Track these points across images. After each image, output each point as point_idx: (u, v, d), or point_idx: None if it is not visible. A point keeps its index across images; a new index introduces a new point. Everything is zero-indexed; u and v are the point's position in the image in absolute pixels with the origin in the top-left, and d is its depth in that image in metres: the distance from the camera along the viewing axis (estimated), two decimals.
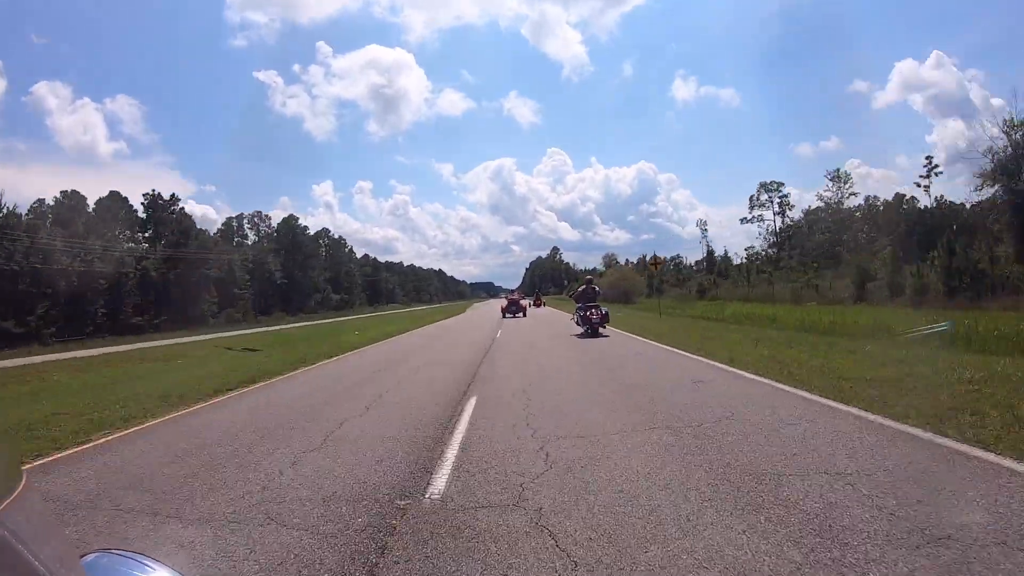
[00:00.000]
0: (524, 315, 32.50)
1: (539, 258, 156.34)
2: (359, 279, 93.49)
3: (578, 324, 17.10)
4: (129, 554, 0.90)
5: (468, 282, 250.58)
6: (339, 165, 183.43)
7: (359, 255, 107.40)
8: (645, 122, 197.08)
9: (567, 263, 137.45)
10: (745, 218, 79.87)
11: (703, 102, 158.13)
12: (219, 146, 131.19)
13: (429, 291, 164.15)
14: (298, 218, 77.96)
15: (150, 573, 0.87)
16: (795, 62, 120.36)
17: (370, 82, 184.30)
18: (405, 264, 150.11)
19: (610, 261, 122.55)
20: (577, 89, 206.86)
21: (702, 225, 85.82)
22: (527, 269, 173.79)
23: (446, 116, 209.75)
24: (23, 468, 0.74)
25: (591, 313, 15.73)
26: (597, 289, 17.49)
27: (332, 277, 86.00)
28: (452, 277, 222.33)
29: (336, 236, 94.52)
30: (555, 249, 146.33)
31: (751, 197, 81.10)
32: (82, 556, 0.85)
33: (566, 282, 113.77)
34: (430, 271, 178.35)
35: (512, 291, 46.86)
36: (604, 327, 15.99)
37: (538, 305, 45.86)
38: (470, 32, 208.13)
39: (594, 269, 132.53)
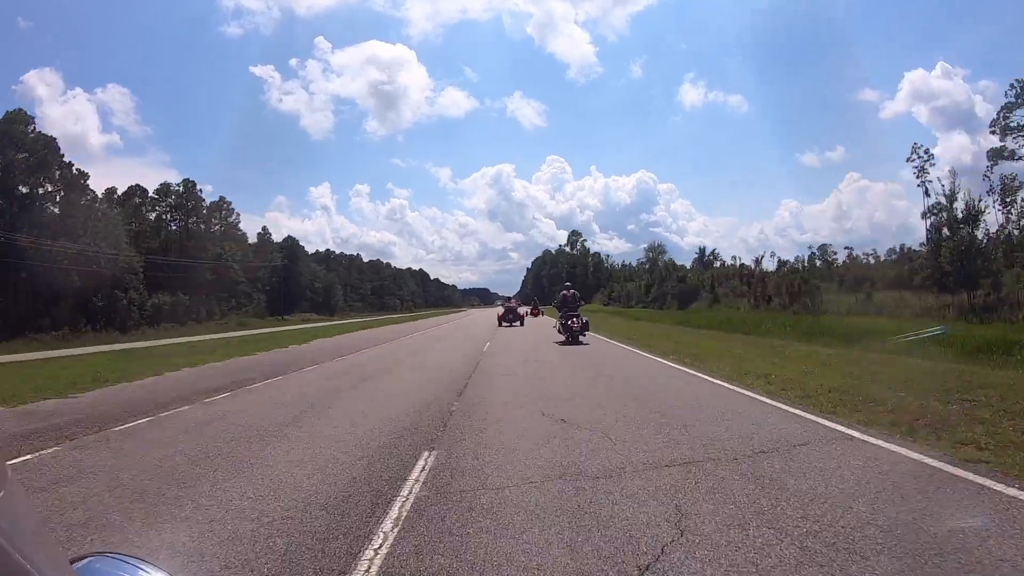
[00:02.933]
0: (522, 324, 29.27)
1: (547, 252, 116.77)
2: (231, 269, 54.24)
3: (559, 332, 17.56)
4: (124, 557, 0.87)
5: (460, 287, 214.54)
6: (336, 167, 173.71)
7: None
8: (648, 128, 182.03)
9: (599, 255, 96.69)
10: (998, 149, 41.08)
11: (711, 108, 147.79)
12: (214, 143, 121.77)
13: (400, 296, 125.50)
14: (33, 118, 39.59)
15: None
16: (806, 69, 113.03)
17: (369, 79, 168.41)
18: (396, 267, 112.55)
19: (658, 251, 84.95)
20: (583, 91, 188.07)
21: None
22: (529, 269, 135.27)
23: (447, 116, 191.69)
24: (7, 464, 0.67)
25: (571, 321, 16.64)
26: (578, 295, 18.01)
27: (171, 262, 47.37)
28: (438, 280, 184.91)
29: (200, 193, 55.88)
30: (575, 235, 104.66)
31: (1001, 109, 42.06)
32: (75, 560, 0.82)
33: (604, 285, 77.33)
34: (405, 271, 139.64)
35: (509, 298, 36.54)
36: (584, 335, 17.01)
37: (535, 314, 40.59)
38: (474, 28, 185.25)
39: (625, 263, 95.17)
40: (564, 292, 17.82)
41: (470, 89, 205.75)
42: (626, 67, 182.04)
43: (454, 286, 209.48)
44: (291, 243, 71.90)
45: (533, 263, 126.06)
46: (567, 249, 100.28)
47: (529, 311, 40.44)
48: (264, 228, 71.97)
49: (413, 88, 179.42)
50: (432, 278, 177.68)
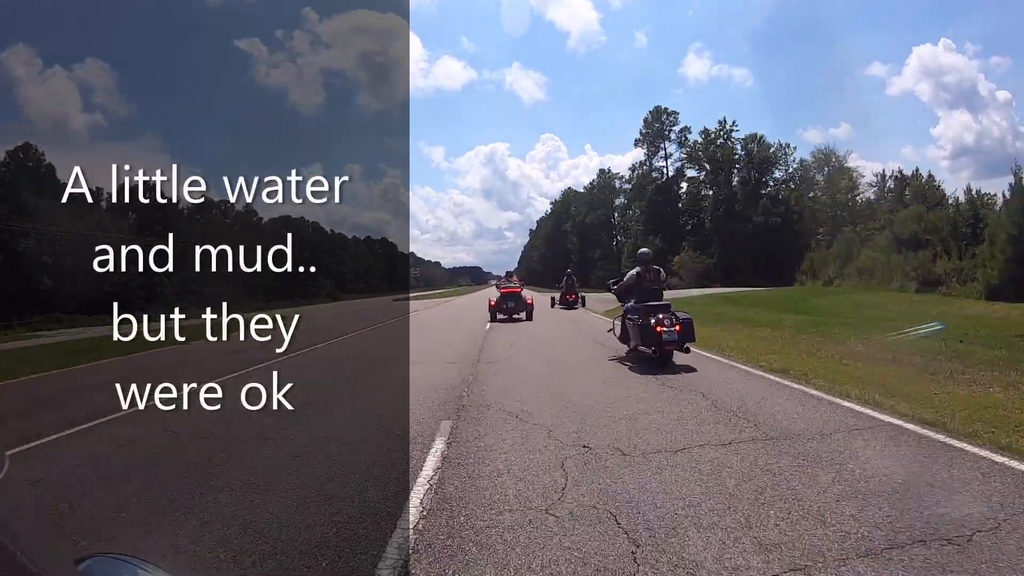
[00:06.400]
0: (528, 317, 17.81)
1: (569, 193, 69.87)
2: None
3: (631, 343, 8.14)
4: (127, 558, 0.87)
5: (451, 267, 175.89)
6: (328, 146, 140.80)
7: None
8: (648, 103, 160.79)
9: (764, 144, 44.87)
10: None
11: (714, 82, 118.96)
12: (203, 124, 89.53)
13: (341, 274, 79.63)
14: None
15: None
16: (818, 39, 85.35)
17: (360, 50, 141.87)
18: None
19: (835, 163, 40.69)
20: (583, 61, 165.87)
21: None
22: (532, 232, 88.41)
23: (442, 88, 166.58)
24: (6, 453, 0.60)
25: (657, 323, 7.42)
26: (662, 273, 8.58)
27: None
28: (413, 254, 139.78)
29: None
30: (661, 118, 50.40)
31: None
32: (79, 560, 0.81)
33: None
34: (349, 238, 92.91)
35: (509, 275, 22.44)
36: (688, 350, 7.69)
37: (571, 300, 23.45)
38: None
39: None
40: (639, 269, 8.26)
41: (468, 59, 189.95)
42: (630, 36, 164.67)
43: (437, 263, 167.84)
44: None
45: (549, 212, 78.51)
46: (641, 167, 52.29)
47: (558, 297, 23.61)
48: None
49: (405, 60, 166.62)
50: (407, 252, 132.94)
